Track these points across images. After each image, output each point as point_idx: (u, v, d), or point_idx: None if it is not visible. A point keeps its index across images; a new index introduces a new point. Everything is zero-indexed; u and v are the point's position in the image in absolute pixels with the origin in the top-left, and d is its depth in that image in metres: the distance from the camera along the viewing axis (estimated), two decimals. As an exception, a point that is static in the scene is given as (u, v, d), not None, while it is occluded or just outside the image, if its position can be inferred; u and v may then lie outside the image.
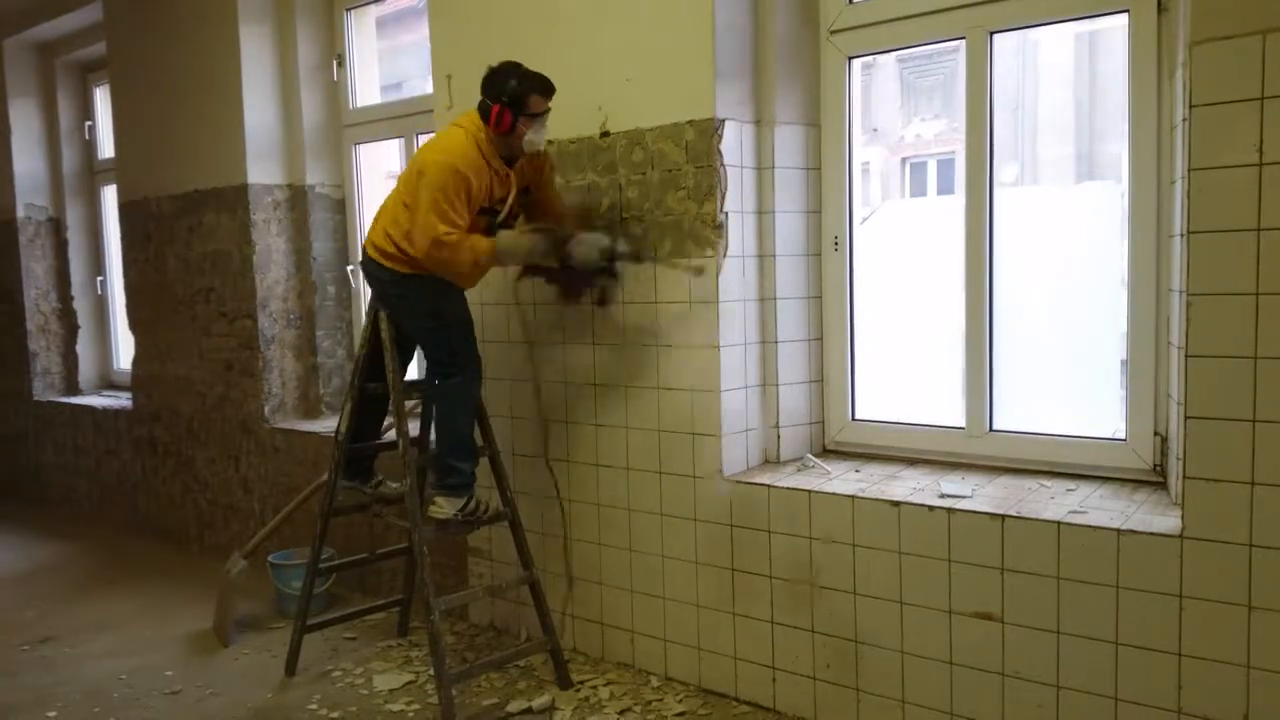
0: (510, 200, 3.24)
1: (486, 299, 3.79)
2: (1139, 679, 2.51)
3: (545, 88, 3.13)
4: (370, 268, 3.34)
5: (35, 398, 6.51)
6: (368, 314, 3.46)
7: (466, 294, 3.38)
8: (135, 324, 5.65)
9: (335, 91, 4.90)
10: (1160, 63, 2.71)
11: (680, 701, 3.31)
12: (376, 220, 3.34)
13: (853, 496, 2.97)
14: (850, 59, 3.31)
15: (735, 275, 3.24)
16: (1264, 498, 2.31)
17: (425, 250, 3.09)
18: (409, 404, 3.55)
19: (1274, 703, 2.35)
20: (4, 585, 4.96)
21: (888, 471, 3.21)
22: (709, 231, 3.19)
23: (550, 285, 3.47)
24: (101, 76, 6.26)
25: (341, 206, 4.98)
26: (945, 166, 10.71)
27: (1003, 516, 2.69)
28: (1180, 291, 2.47)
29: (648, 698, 3.34)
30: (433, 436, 3.48)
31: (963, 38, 3.04)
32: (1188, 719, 2.45)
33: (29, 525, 6.15)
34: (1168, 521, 2.52)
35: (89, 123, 6.53)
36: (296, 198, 4.91)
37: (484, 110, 3.12)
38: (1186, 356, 2.39)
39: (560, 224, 3.33)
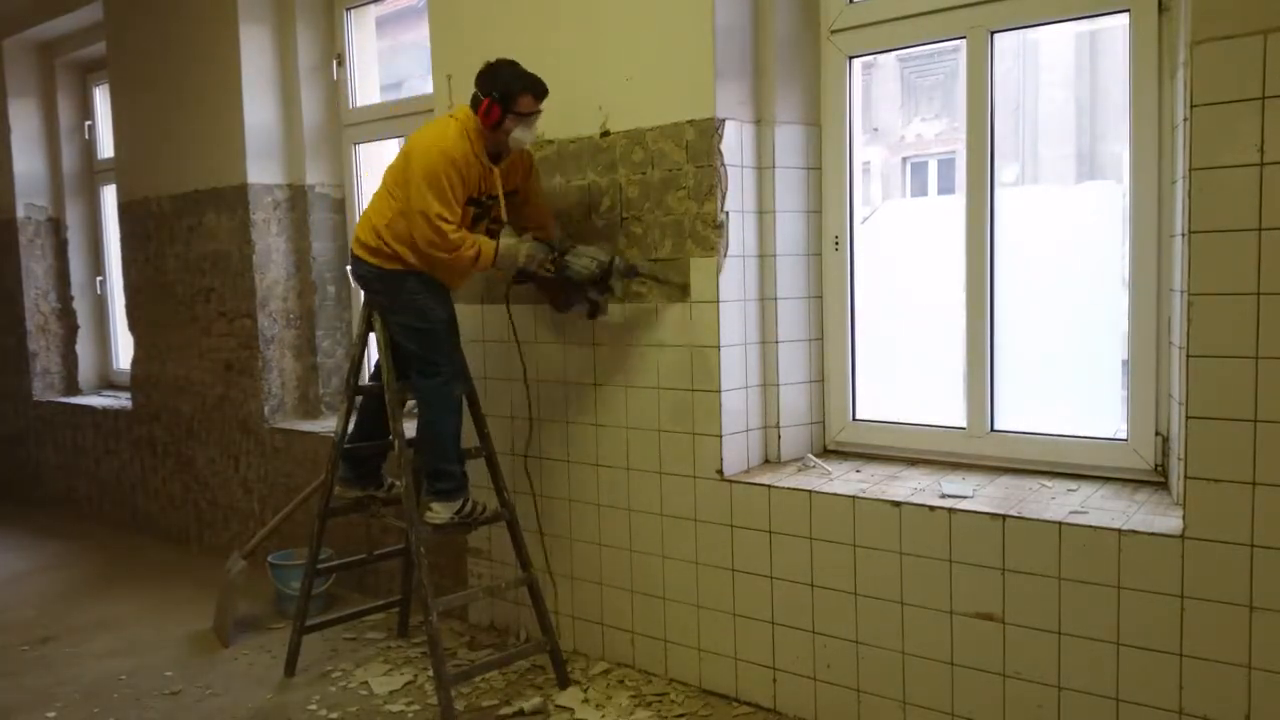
0: (500, 199, 3.25)
1: (487, 300, 3.78)
2: (1140, 680, 2.51)
3: (538, 90, 3.15)
4: (357, 267, 3.37)
5: (35, 398, 6.51)
6: (361, 313, 3.47)
7: (452, 296, 3.40)
8: (135, 324, 5.65)
9: (335, 91, 4.90)
10: (1161, 62, 2.71)
11: (681, 702, 3.31)
12: (362, 218, 3.36)
13: (853, 497, 2.96)
14: (850, 59, 3.31)
15: (735, 275, 3.23)
16: (1265, 498, 2.31)
17: (422, 232, 3.09)
18: (408, 404, 3.56)
19: (1276, 703, 2.34)
20: (4, 585, 4.96)
21: (888, 472, 3.21)
22: (709, 231, 3.18)
23: (542, 293, 3.47)
24: (101, 76, 6.26)
25: (341, 206, 4.98)
26: (946, 166, 10.70)
27: (1004, 517, 2.68)
28: (1181, 291, 2.47)
29: (648, 698, 3.34)
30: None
31: (963, 37, 3.04)
32: (1189, 719, 2.45)
33: (29, 525, 6.14)
34: (1169, 522, 2.52)
35: (89, 123, 6.52)
36: (296, 197, 4.91)
37: (475, 102, 3.15)
38: (1188, 356, 2.39)
39: (550, 228, 3.38)
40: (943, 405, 3.30)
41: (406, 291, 3.27)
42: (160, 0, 5.10)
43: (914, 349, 3.46)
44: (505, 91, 3.09)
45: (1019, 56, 9.30)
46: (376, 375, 3.50)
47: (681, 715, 3.23)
